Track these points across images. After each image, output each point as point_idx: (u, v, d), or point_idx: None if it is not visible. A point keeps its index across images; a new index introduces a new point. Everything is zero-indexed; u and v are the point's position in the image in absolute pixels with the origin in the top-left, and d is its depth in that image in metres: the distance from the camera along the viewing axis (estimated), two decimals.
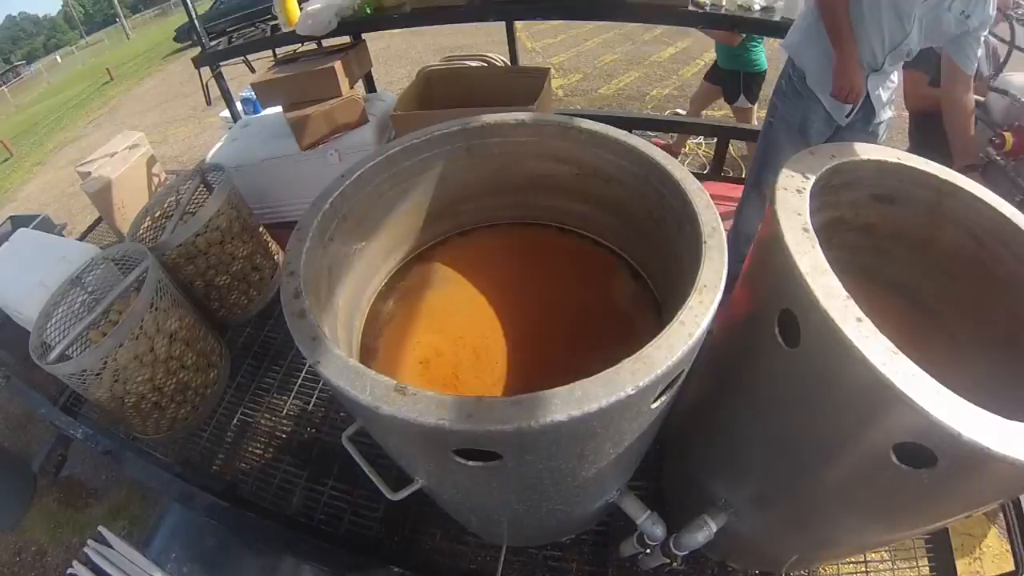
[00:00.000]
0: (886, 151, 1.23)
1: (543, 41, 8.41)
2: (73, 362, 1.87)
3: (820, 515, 1.19)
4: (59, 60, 45.74)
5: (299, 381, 2.35)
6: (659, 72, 6.73)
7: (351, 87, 2.62)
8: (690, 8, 2.46)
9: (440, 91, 2.50)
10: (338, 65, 2.50)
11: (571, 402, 0.71)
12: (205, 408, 2.30)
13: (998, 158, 2.18)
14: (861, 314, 0.81)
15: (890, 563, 1.83)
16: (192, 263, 2.33)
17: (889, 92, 2.16)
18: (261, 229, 2.68)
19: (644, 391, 0.76)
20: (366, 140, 2.64)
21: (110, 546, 1.97)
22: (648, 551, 1.41)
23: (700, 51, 6.97)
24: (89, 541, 2.02)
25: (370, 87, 3.33)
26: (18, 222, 4.27)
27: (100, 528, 2.05)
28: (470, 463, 0.81)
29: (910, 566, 1.81)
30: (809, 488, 1.13)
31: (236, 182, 2.56)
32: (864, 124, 2.19)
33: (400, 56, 7.23)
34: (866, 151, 1.22)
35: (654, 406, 0.88)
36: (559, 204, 1.37)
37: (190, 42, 17.50)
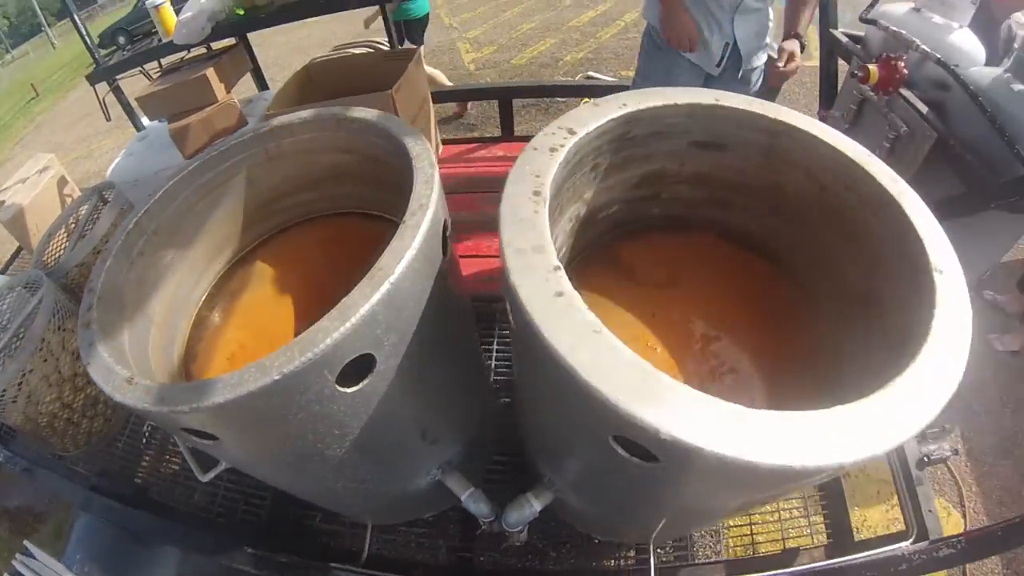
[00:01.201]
0: (701, 93, 1.15)
1: (461, 16, 8.35)
2: None
3: (617, 498, 1.19)
4: None
5: None
6: (576, 36, 6.73)
7: (228, 91, 2.68)
8: None
9: (321, 83, 2.56)
10: (211, 72, 2.56)
11: (231, 386, 0.78)
12: (118, 419, 2.37)
13: (871, 94, 2.12)
14: (565, 287, 0.76)
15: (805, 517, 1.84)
16: None
17: (759, 34, 2.12)
18: None
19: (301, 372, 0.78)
20: None
21: (34, 558, 2.07)
22: (484, 527, 1.47)
23: (620, 13, 6.99)
24: (17, 555, 2.13)
25: (262, 85, 3.38)
26: None
27: (25, 543, 2.15)
28: (205, 441, 0.91)
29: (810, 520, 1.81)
30: (586, 472, 1.11)
31: (136, 196, 2.58)
32: (734, 72, 2.15)
33: (321, 44, 7.21)
34: (675, 95, 1.13)
35: (346, 390, 0.88)
36: (357, 191, 1.44)
37: (115, 47, 17.18)
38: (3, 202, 3.54)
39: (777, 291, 1.27)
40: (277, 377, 0.77)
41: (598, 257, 1.35)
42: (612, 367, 0.67)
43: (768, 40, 2.16)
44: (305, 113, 1.32)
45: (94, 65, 3.46)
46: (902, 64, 1.90)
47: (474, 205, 2.47)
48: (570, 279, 1.10)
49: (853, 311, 1.08)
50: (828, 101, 2.59)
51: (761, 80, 2.28)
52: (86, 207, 2.64)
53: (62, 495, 2.26)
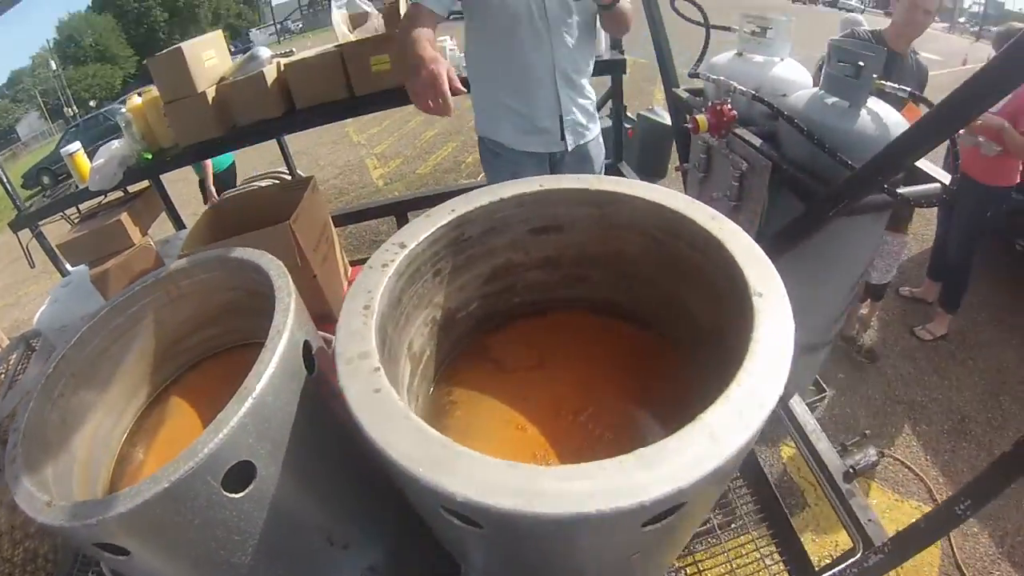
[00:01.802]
0: (526, 183, 1.25)
1: (369, 132, 8.73)
2: None
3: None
4: None
5: None
6: (475, 137, 7.03)
7: (143, 233, 2.86)
8: None
9: (231, 219, 2.70)
10: (125, 217, 2.74)
11: (130, 496, 0.93)
12: (59, 572, 2.36)
13: (713, 140, 2.23)
14: (383, 384, 0.87)
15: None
16: None
17: (586, 108, 2.24)
18: None
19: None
20: None
21: None
22: None
23: None
24: None
25: (178, 224, 3.60)
26: None
27: None
28: (119, 557, 1.03)
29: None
30: (464, 550, 1.14)
31: (62, 343, 2.71)
32: (576, 153, 2.27)
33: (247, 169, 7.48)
34: (500, 190, 1.24)
35: (232, 495, 1.01)
36: (251, 324, 1.52)
37: (39, 188, 17.08)
38: None
39: (645, 348, 1.36)
40: (167, 485, 0.91)
41: (469, 354, 1.44)
42: (418, 446, 0.78)
43: (593, 109, 2.31)
44: (197, 256, 1.51)
45: (14, 208, 3.60)
46: (728, 107, 2.04)
47: None
48: (442, 379, 1.28)
49: (707, 349, 1.15)
50: (684, 155, 2.73)
51: (603, 154, 2.44)
52: (14, 356, 2.76)
53: None
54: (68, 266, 3.43)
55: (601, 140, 2.44)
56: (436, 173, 6.51)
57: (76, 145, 3.38)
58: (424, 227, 1.18)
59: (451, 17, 2.00)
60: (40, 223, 3.67)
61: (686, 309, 1.23)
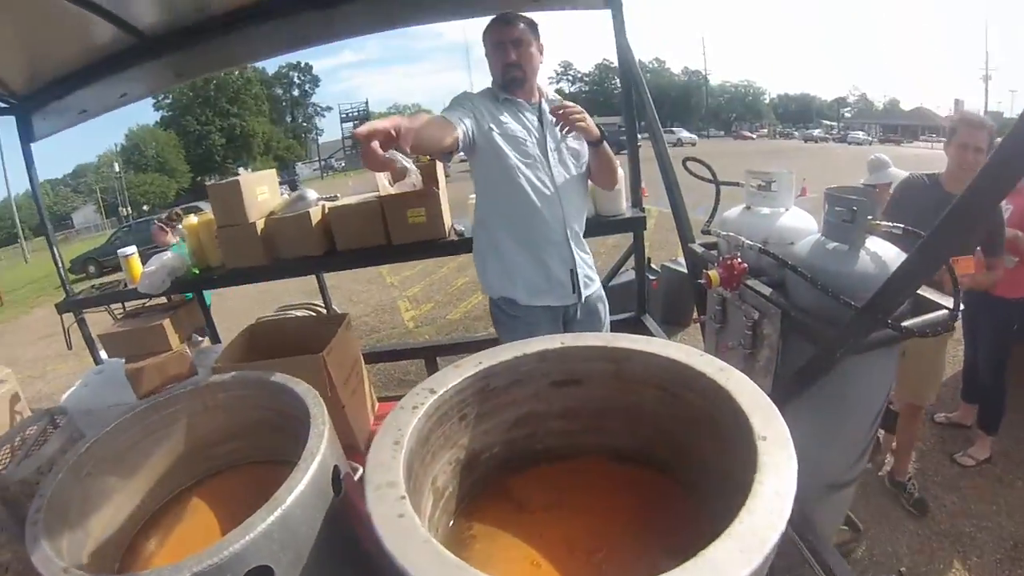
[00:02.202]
0: (548, 340, 1.33)
1: (402, 274, 8.98)
2: None
3: None
4: None
5: None
6: None
7: (181, 340, 3.04)
8: (451, 239, 3.01)
9: (263, 342, 2.84)
10: (167, 323, 2.95)
11: None
12: None
13: (727, 293, 2.26)
14: (406, 511, 0.93)
15: None
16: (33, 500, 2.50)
17: (586, 260, 2.35)
18: None
19: None
20: None
21: None
22: None
23: None
24: None
25: (214, 338, 3.79)
26: None
27: None
28: None
29: None
30: None
31: (87, 425, 2.79)
32: (586, 306, 2.38)
33: (275, 299, 7.72)
34: (524, 346, 1.32)
35: None
36: (277, 443, 1.67)
37: (84, 274, 17.83)
38: None
39: (659, 492, 1.37)
40: (196, 571, 0.99)
41: (490, 493, 1.46)
42: (437, 567, 0.83)
43: (590, 272, 2.43)
44: (237, 374, 1.65)
45: (63, 291, 3.88)
46: (738, 261, 2.10)
47: None
48: (463, 513, 1.33)
49: (718, 491, 1.17)
50: (701, 308, 2.75)
51: (606, 306, 2.53)
52: (36, 427, 2.85)
53: None
54: (104, 355, 3.60)
55: (603, 292, 2.55)
56: (466, 320, 6.64)
57: (132, 249, 3.69)
58: (453, 376, 1.27)
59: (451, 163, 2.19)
60: (84, 311, 3.93)
61: (698, 455, 1.28)
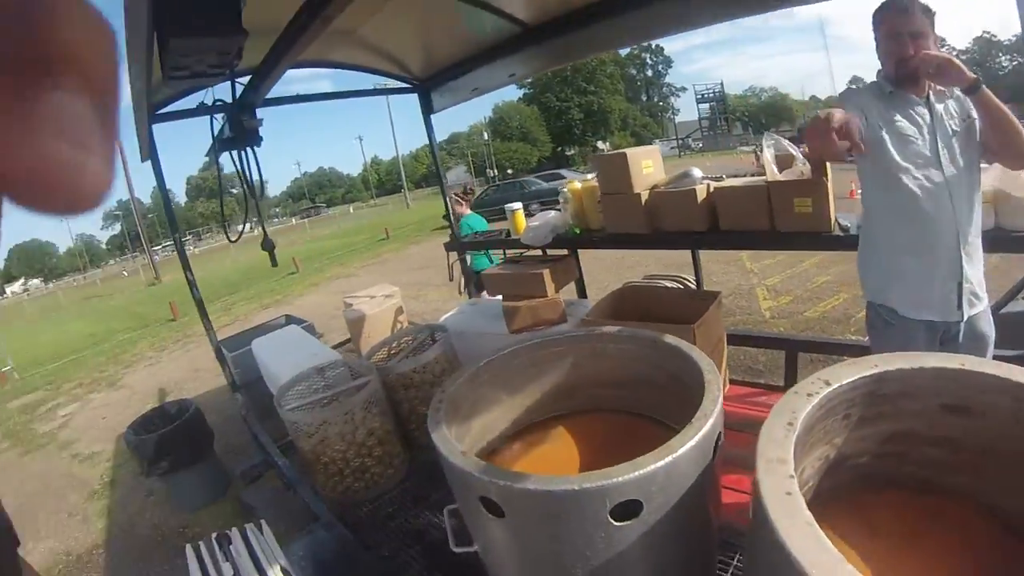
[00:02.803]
0: (947, 357, 1.24)
1: (762, 262, 8.62)
2: (299, 414, 2.74)
3: None
4: (351, 211, 59.80)
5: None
6: None
7: (556, 291, 3.34)
8: (835, 233, 2.82)
9: (630, 305, 3.00)
10: (547, 272, 3.24)
11: (543, 481, 1.16)
12: (373, 492, 2.90)
13: None
14: (793, 489, 0.94)
15: None
16: (405, 390, 3.06)
17: (978, 276, 2.09)
18: None
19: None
20: None
21: (261, 533, 2.39)
22: None
23: None
24: (248, 525, 2.42)
25: (581, 292, 4.10)
26: (291, 320, 5.87)
27: (262, 521, 2.44)
28: (490, 516, 1.26)
29: None
30: None
31: (457, 344, 3.30)
32: (971, 333, 2.12)
33: (631, 267, 8.10)
34: (920, 359, 1.24)
35: (612, 521, 1.15)
36: (645, 397, 1.79)
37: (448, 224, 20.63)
38: (351, 305, 4.70)
39: None
40: (577, 487, 1.11)
41: (841, 503, 1.41)
42: (816, 552, 0.84)
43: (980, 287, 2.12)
44: (629, 329, 1.78)
45: (449, 234, 4.76)
46: None
47: (748, 444, 2.49)
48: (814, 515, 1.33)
49: None
50: None
51: (994, 333, 2.21)
52: (418, 337, 3.42)
53: (313, 508, 2.80)
54: (485, 294, 4.18)
55: (991, 316, 2.23)
56: (824, 321, 6.14)
57: (518, 204, 4.18)
58: (848, 372, 1.23)
59: None
60: (466, 252, 4.72)
61: None
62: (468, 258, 5.51)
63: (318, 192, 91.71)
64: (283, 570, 2.14)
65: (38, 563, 4.94)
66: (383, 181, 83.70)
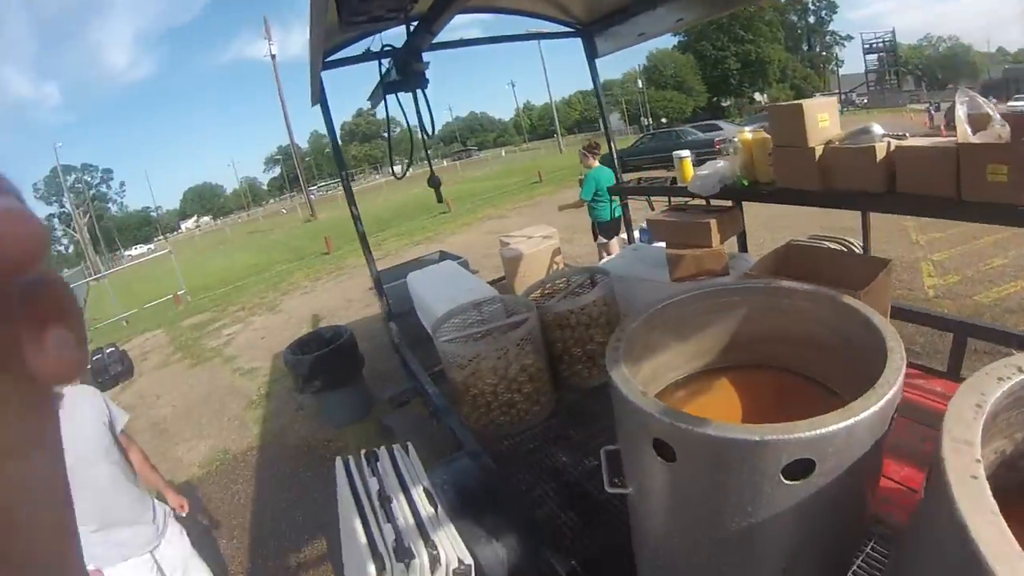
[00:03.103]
0: None
1: (930, 235, 7.94)
2: (454, 346, 2.90)
3: None
4: (503, 154, 60.62)
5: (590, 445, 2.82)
6: None
7: (721, 242, 3.28)
8: None
9: (794, 263, 2.90)
10: (714, 222, 3.18)
11: (722, 428, 1.17)
12: (517, 427, 3.02)
13: None
14: (979, 474, 0.91)
15: None
16: (560, 330, 3.14)
17: None
18: None
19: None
20: None
21: (407, 454, 2.59)
22: None
23: None
24: (395, 446, 2.64)
25: (742, 246, 4.00)
26: (445, 256, 6.26)
27: (408, 444, 2.65)
28: (659, 459, 1.29)
29: None
30: None
31: (617, 288, 3.34)
32: None
33: (789, 227, 7.59)
34: None
35: (783, 479, 1.14)
36: (815, 357, 1.74)
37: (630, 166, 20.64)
38: (508, 244, 4.86)
39: None
40: (757, 439, 1.10)
41: (1011, 509, 1.39)
42: (1000, 545, 0.81)
43: None
44: (807, 286, 1.73)
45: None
46: None
47: (900, 430, 2.42)
48: None
49: None
50: None
51: None
52: (575, 279, 3.50)
53: (459, 436, 2.97)
54: (637, 236, 4.19)
55: None
56: (996, 310, 5.54)
57: (687, 152, 4.05)
58: None
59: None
60: (629, 197, 4.71)
61: None
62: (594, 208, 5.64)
63: (469, 136, 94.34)
64: (425, 491, 2.30)
65: (200, 458, 5.77)
66: (535, 126, 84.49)
